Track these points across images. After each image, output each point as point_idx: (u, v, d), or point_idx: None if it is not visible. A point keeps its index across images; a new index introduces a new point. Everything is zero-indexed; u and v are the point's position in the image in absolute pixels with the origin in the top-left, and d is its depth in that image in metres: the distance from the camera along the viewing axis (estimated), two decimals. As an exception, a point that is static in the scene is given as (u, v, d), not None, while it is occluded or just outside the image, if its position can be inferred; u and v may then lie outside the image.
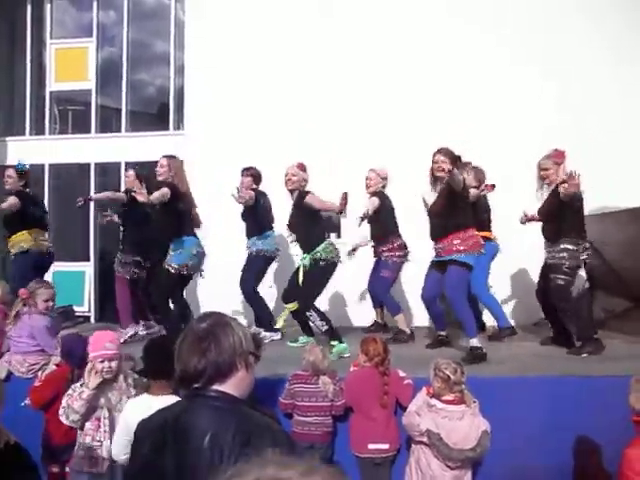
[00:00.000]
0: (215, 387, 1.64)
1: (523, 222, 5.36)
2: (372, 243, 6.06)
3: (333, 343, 5.04)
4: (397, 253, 5.81)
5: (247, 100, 7.50)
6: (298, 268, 5.34)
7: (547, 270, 5.09)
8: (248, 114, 7.43)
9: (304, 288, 5.21)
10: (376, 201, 5.73)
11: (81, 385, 3.44)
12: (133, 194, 5.02)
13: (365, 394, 3.80)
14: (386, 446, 3.80)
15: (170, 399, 2.78)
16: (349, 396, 3.85)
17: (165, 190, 5.01)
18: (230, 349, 1.65)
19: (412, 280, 6.92)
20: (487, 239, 5.47)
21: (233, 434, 1.52)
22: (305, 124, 7.21)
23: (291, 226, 5.44)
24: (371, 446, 3.78)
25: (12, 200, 5.60)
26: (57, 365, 4.01)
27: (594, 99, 6.86)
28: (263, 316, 5.89)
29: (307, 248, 5.24)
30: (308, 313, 5.14)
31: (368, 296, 6.37)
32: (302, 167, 5.32)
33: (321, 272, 5.18)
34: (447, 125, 6.71)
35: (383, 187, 5.92)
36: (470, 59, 7.24)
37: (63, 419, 3.37)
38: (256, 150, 6.76)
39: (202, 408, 1.61)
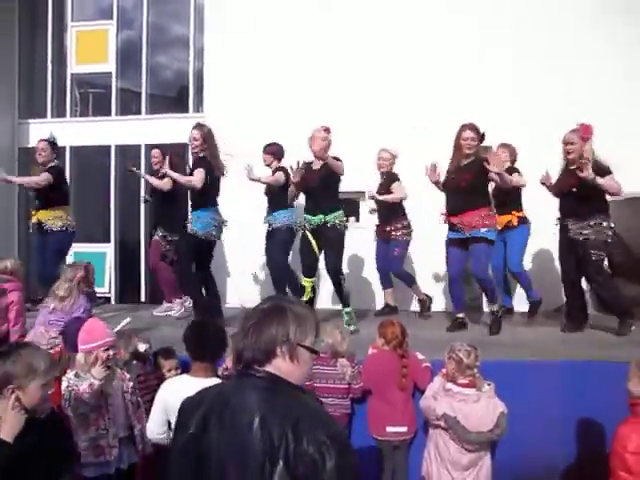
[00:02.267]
0: (265, 368, 1.64)
1: (543, 182, 5.23)
2: (377, 222, 6.30)
3: None
4: (406, 231, 6.13)
5: (266, 82, 7.48)
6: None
7: (577, 247, 5.03)
8: (267, 96, 7.42)
9: None
10: (402, 188, 6.06)
11: (75, 376, 3.26)
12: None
13: (383, 377, 3.82)
14: (404, 429, 3.82)
15: (210, 382, 2.77)
16: (367, 379, 3.88)
17: (202, 172, 5.21)
18: (270, 337, 1.64)
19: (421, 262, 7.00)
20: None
21: (282, 415, 1.53)
22: (323, 105, 7.18)
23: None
24: (389, 429, 3.81)
25: (45, 176, 5.81)
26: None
27: (600, 93, 6.74)
28: (296, 289, 5.85)
29: None
30: None
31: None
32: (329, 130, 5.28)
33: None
34: (451, 122, 6.67)
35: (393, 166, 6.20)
36: (471, 55, 7.16)
37: (69, 412, 3.20)
38: (275, 132, 6.74)
39: (251, 388, 1.62)
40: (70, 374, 3.32)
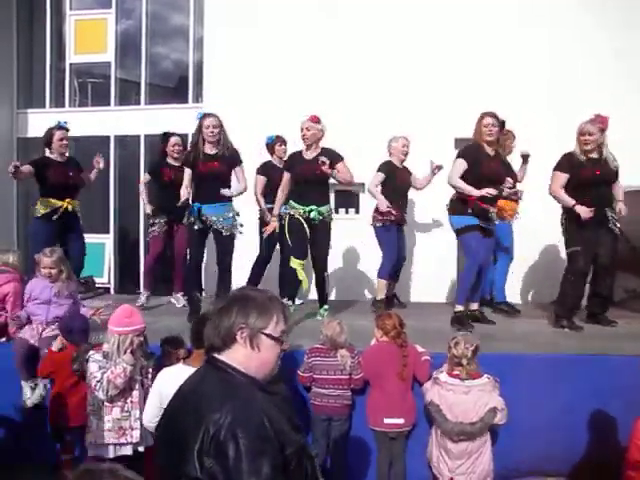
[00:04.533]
0: (223, 356, 1.68)
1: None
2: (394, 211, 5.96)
3: None
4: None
5: (265, 74, 7.44)
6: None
7: (607, 238, 4.99)
8: (266, 87, 7.37)
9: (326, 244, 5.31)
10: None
11: (104, 357, 3.46)
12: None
13: (383, 367, 3.81)
14: (401, 421, 3.82)
15: None
16: (367, 369, 3.87)
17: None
18: (229, 323, 1.68)
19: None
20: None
21: (216, 405, 1.53)
22: (323, 96, 7.14)
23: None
24: (386, 420, 3.82)
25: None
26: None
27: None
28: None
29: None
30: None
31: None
32: (315, 119, 5.17)
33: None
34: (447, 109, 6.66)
35: None
36: (482, 48, 7.06)
37: (101, 394, 3.40)
38: (275, 122, 6.72)
39: (206, 377, 1.68)
40: (97, 355, 3.49)
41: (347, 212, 7.47)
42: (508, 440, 3.76)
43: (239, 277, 6.24)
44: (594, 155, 4.95)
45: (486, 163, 4.92)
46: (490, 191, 4.80)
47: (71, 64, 8.67)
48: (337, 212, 7.19)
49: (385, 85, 7.13)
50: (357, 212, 7.48)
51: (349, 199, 7.47)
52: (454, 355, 3.53)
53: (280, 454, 1.51)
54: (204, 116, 5.13)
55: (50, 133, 5.71)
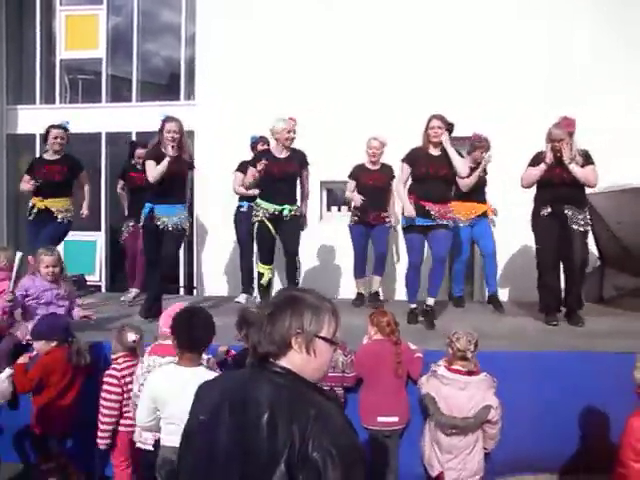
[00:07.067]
0: (280, 362, 1.59)
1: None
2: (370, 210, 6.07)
3: None
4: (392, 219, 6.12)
5: (258, 70, 7.42)
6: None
7: (573, 236, 4.95)
8: (259, 84, 7.35)
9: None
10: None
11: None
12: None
13: (378, 365, 3.81)
14: (395, 419, 3.82)
15: (198, 371, 2.85)
16: (361, 368, 3.87)
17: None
18: (283, 328, 1.58)
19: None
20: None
21: (291, 415, 1.46)
22: (314, 95, 7.14)
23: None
24: (380, 419, 3.81)
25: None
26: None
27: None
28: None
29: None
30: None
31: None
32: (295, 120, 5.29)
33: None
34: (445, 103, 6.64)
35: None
36: (474, 44, 7.10)
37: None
38: (267, 120, 6.70)
39: (265, 382, 1.56)
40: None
41: (339, 210, 7.48)
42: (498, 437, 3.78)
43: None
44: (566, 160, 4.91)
45: (423, 162, 4.98)
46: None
47: (61, 60, 8.61)
48: (329, 210, 7.20)
49: (383, 79, 7.14)
50: (349, 209, 7.48)
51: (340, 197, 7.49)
52: (458, 349, 3.50)
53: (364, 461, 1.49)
54: (166, 119, 5.20)
55: (47, 130, 5.70)
